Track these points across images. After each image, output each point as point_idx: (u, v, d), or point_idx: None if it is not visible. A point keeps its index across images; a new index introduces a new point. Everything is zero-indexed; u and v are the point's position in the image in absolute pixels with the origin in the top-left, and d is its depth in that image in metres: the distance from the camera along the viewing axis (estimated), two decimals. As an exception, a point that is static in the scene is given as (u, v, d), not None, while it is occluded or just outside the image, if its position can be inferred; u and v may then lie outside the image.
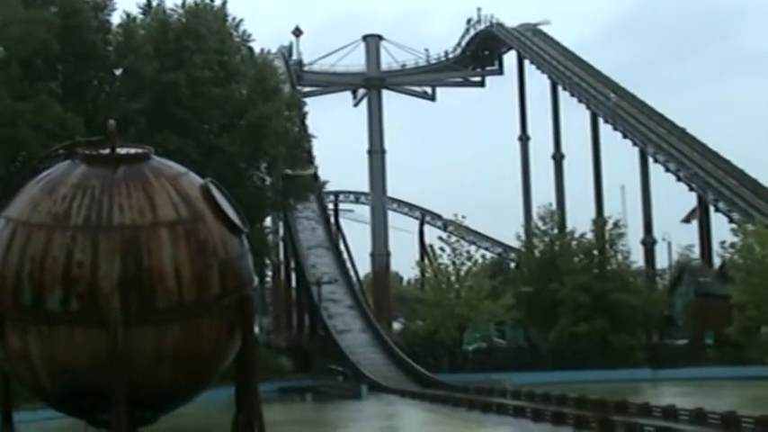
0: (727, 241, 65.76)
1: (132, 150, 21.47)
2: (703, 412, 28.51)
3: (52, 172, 21.03)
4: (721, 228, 69.98)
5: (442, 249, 70.83)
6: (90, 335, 19.17)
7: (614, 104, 77.85)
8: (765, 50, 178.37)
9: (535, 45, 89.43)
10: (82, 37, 50.29)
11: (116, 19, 53.21)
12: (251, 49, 58.72)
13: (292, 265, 78.92)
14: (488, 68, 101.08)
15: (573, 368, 57.47)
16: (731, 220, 66.97)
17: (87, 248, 19.32)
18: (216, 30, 54.36)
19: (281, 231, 76.45)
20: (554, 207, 77.13)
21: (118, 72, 52.49)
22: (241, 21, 57.24)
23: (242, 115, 54.42)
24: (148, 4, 54.12)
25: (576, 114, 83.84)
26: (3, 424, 20.66)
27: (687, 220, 74.32)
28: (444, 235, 76.69)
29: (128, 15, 53.54)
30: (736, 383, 47.88)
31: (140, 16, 53.86)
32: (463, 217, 78.09)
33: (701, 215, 72.08)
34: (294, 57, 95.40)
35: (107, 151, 20.92)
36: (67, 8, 50.20)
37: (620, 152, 78.35)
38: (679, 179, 72.11)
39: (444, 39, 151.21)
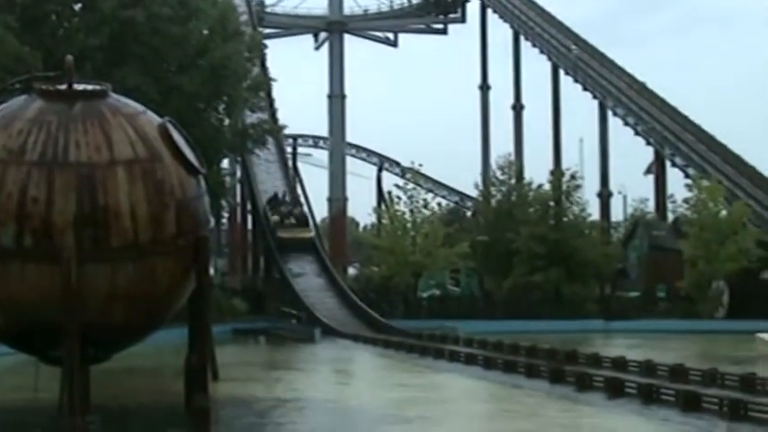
0: (682, 196, 66.30)
1: (90, 87, 21.35)
2: (652, 364, 28.80)
3: (8, 106, 20.89)
4: (677, 182, 70.57)
5: (399, 197, 70.94)
6: (43, 271, 19.14)
7: (576, 57, 77.97)
8: (723, 9, 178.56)
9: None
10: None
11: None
12: (212, -13, 58.21)
13: (249, 207, 78.80)
14: (451, 16, 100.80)
15: (526, 318, 57.85)
16: (687, 176, 67.49)
17: (42, 184, 19.26)
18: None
19: (239, 173, 76.23)
20: (512, 157, 77.30)
21: (76, 7, 51.84)
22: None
23: (202, 55, 53.98)
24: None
25: (537, 65, 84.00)
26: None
27: (649, 171, 74.63)
28: (402, 182, 76.82)
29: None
30: (686, 337, 48.44)
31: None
32: (421, 165, 78.16)
33: (657, 169, 72.53)
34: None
35: (64, 87, 20.80)
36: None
37: (580, 105, 78.68)
38: (637, 133, 72.59)
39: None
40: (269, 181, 78.51)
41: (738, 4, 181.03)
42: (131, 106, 21.36)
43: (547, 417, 23.48)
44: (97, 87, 21.28)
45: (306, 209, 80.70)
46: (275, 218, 66.41)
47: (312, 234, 65.68)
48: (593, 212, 73.69)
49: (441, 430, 21.92)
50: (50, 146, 19.63)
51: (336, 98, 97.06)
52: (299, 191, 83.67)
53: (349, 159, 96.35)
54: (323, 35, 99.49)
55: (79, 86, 20.97)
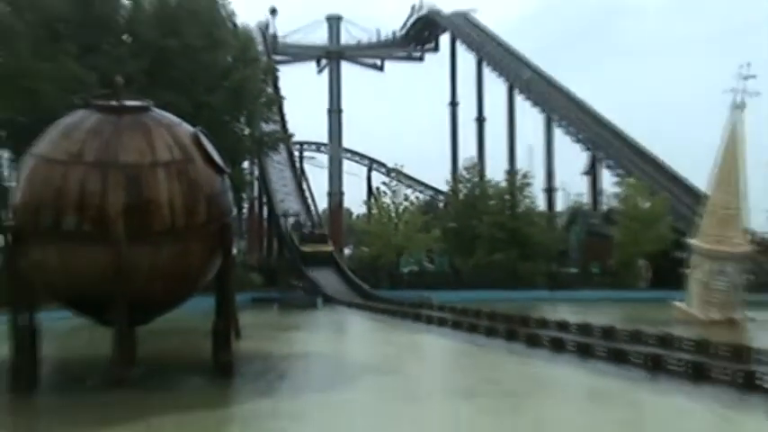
0: (612, 191, 66.40)
1: (135, 103, 21.28)
2: (587, 326, 28.86)
3: (70, 118, 20.85)
4: (608, 181, 70.66)
5: (385, 192, 70.95)
6: (98, 251, 19.13)
7: (527, 79, 77.93)
8: (643, 41, 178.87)
9: (465, 29, 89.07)
10: (96, 8, 49.48)
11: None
12: (235, 23, 58.10)
13: (264, 200, 78.63)
14: (427, 46, 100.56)
15: (487, 289, 57.85)
16: (616, 175, 67.60)
17: (97, 181, 19.24)
18: (206, 6, 53.66)
19: (256, 173, 76.05)
20: (476, 160, 77.33)
21: (124, 37, 51.64)
22: (228, 2, 56.75)
23: (226, 78, 53.91)
24: (151, -17, 53.29)
25: (496, 86, 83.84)
26: (29, 320, 20.55)
27: (586, 172, 74.59)
28: (387, 180, 76.71)
29: (134, -9, 52.87)
30: (616, 304, 48.49)
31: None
32: (402, 166, 78.71)
33: (591, 170, 72.61)
34: (270, 31, 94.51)
35: (115, 103, 20.74)
36: (84, -17, 49.43)
37: (530, 118, 78.54)
38: (576, 141, 72.57)
39: (393, 21, 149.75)
40: (281, 179, 78.43)
41: (654, 39, 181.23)
42: (170, 118, 21.31)
43: (505, 367, 23.54)
44: (142, 103, 21.23)
45: (310, 201, 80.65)
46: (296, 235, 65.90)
47: (332, 249, 64.84)
48: (541, 204, 73.84)
49: (417, 378, 21.95)
50: (104, 150, 19.58)
51: (335, 112, 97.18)
52: (305, 186, 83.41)
53: (345, 161, 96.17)
54: (324, 61, 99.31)
55: (127, 102, 20.93)
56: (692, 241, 39.26)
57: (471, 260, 64.79)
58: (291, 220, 70.56)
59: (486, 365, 24.32)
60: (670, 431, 15.38)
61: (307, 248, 62.46)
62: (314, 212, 79.71)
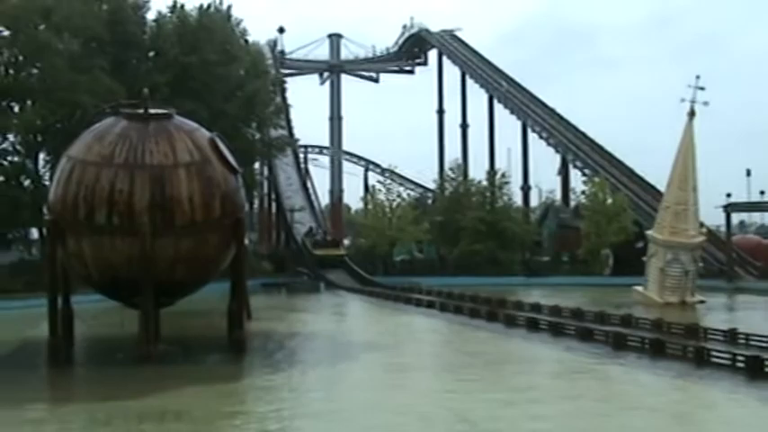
0: (580, 189, 66.38)
1: (160, 111, 21.30)
2: (558, 307, 28.97)
3: (102, 124, 20.88)
4: (577, 179, 70.62)
5: (380, 189, 70.93)
6: (127, 242, 19.17)
7: (505, 90, 77.92)
8: (615, 57, 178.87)
9: (451, 45, 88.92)
10: (125, 28, 49.40)
11: (150, 15, 52.46)
12: (247, 40, 58.08)
13: (273, 197, 78.57)
14: (417, 61, 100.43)
15: (470, 275, 57.88)
16: (584, 174, 67.62)
17: (126, 180, 19.28)
18: (222, 26, 53.60)
19: (266, 173, 75.99)
20: (460, 161, 77.27)
21: (150, 54, 51.59)
22: (241, 20, 56.64)
23: (239, 89, 53.94)
24: (174, 6, 53.15)
25: (478, 96, 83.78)
26: (64, 303, 20.56)
27: (558, 172, 74.52)
28: (382, 178, 76.66)
29: (159, 13, 52.76)
30: (583, 289, 48.55)
31: (168, 14, 52.90)
32: (395, 166, 78.72)
33: (562, 170, 72.61)
34: (278, 47, 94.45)
35: (142, 111, 20.77)
36: (114, 6, 49.28)
37: (508, 124, 78.46)
38: (549, 145, 72.58)
39: (387, 38, 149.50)
40: (288, 179, 78.35)
41: (623, 53, 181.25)
42: (190, 125, 21.32)
43: (486, 344, 23.59)
44: (165, 111, 21.24)
45: (313, 197, 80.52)
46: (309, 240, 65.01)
47: (343, 252, 63.78)
48: (518, 201, 73.82)
49: (409, 353, 22.00)
50: (132, 153, 19.59)
51: (335, 119, 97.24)
52: (309, 185, 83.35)
53: (344, 162, 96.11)
54: (326, 74, 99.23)
55: (152, 111, 20.94)
56: (651, 233, 39.38)
57: (456, 250, 64.80)
58: (304, 227, 69.77)
59: (470, 342, 24.38)
60: (630, 397, 15.47)
61: (319, 252, 61.88)
62: (317, 208, 79.53)
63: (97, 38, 46.98)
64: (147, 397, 15.29)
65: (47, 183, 41.50)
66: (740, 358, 17.22)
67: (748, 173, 78.60)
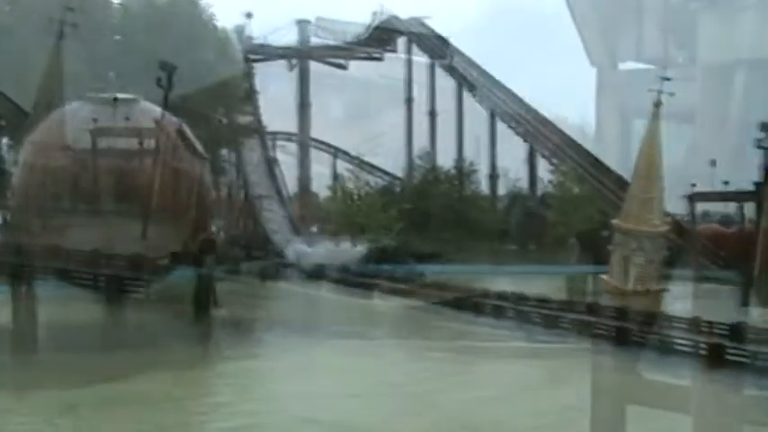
0: (547, 178, 66.69)
1: (126, 96, 21.19)
2: (524, 295, 29.14)
3: (69, 108, 20.70)
4: (544, 169, 70.94)
5: (348, 177, 70.75)
6: (92, 225, 19.03)
7: (472, 79, 78.08)
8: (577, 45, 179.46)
9: (419, 33, 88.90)
10: (92, 14, 49.00)
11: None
12: (215, 26, 57.83)
13: (241, 183, 78.11)
14: (387, 48, 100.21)
15: (437, 263, 57.88)
16: (551, 163, 68.01)
17: (90, 165, 19.14)
18: (188, 11, 53.37)
19: (233, 159, 75.53)
20: (428, 149, 77.32)
21: (117, 38, 51.15)
22: (210, 5, 56.40)
23: (208, 74, 53.65)
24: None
25: (446, 84, 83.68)
26: (27, 289, 20.37)
27: (526, 161, 74.63)
28: (350, 166, 76.47)
29: (125, -1, 52.61)
30: (549, 277, 48.74)
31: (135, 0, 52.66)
32: (363, 154, 78.41)
33: (530, 159, 72.93)
34: (246, 33, 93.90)
35: (108, 96, 20.63)
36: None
37: (477, 113, 78.50)
38: (516, 133, 72.91)
39: (357, 25, 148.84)
40: (254, 165, 77.93)
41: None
42: (157, 110, 21.31)
43: (453, 330, 23.77)
44: (132, 96, 21.19)
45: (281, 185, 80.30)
46: None
47: None
48: (485, 189, 73.99)
49: (377, 340, 22.12)
50: (97, 138, 19.52)
51: (304, 106, 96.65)
52: (276, 172, 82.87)
53: (313, 150, 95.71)
54: (294, 61, 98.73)
55: (120, 95, 20.86)
56: (616, 222, 39.75)
57: (424, 237, 64.85)
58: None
59: (438, 329, 24.54)
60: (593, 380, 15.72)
61: None
62: (285, 195, 79.26)
63: (64, 21, 46.42)
64: (115, 383, 15.27)
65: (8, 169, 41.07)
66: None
67: (713, 163, 79.47)
